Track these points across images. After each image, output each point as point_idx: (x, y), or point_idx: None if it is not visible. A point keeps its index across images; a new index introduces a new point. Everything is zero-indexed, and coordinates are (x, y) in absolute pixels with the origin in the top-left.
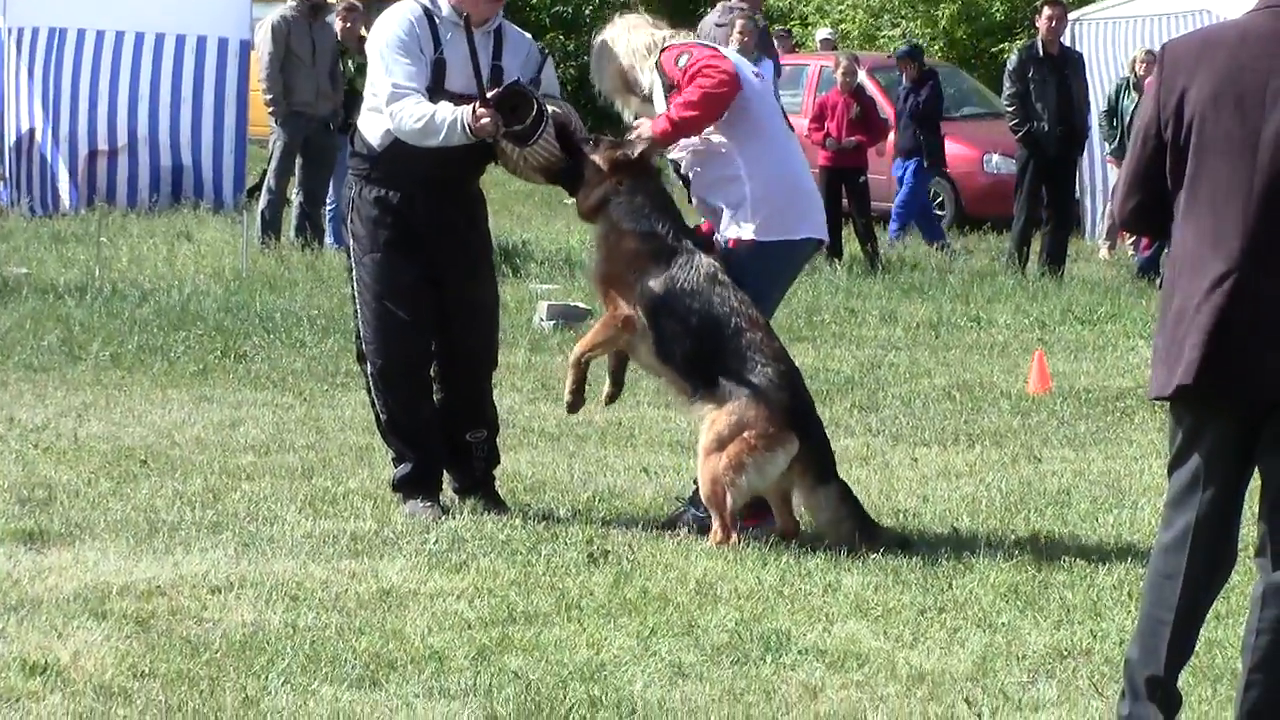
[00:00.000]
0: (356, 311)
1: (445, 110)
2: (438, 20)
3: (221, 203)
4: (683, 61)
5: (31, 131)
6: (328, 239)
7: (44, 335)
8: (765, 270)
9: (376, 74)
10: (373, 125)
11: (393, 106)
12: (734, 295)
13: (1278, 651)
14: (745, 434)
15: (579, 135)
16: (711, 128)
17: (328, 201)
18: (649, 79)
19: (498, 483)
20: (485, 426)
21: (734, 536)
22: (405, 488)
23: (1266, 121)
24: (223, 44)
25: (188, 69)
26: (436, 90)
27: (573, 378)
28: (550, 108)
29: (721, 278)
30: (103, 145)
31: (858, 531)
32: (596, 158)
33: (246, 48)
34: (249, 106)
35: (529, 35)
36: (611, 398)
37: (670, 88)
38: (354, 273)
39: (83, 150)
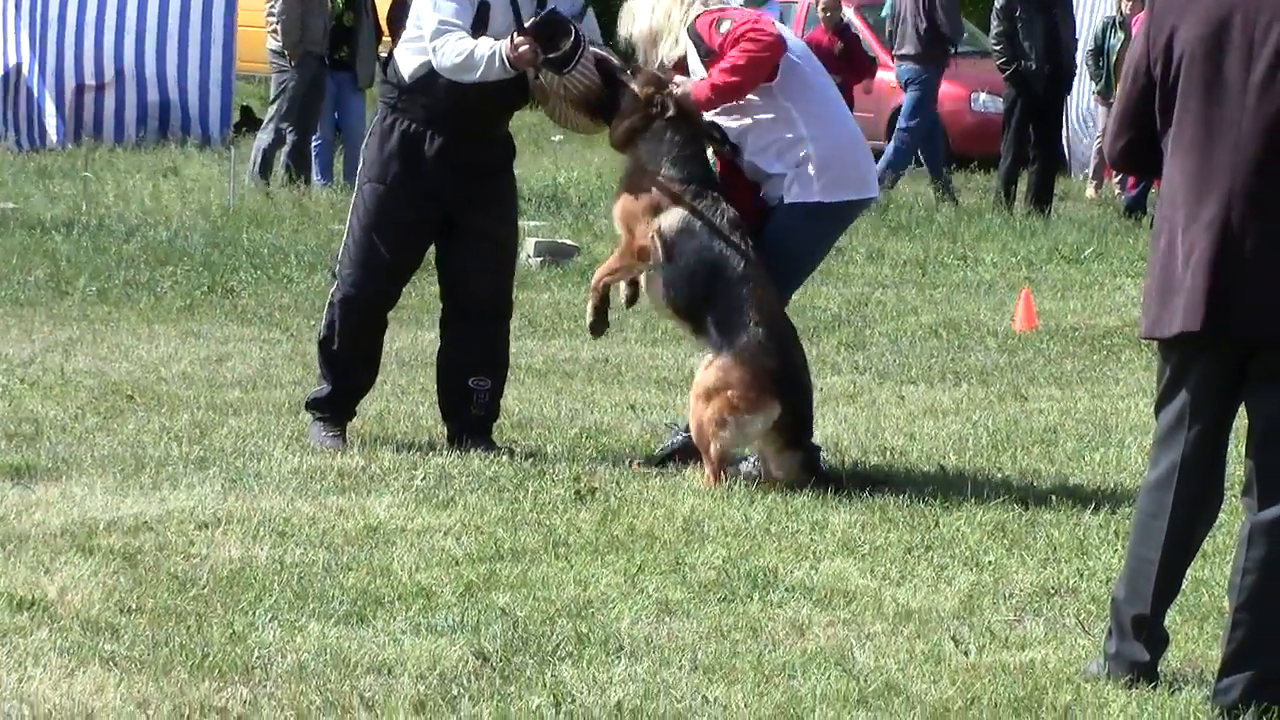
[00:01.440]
0: (346, 232)
1: (485, 45)
2: None
3: (208, 138)
4: (725, 27)
5: (18, 66)
6: (315, 175)
7: (30, 270)
8: (823, 232)
9: (423, 8)
10: (409, 57)
11: (435, 42)
12: (748, 249)
13: (1264, 590)
14: (729, 392)
15: (617, 67)
16: (755, 93)
17: (315, 137)
18: (669, 47)
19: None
20: (490, 375)
21: (722, 478)
22: (315, 409)
23: (1255, 62)
24: None
25: (174, 4)
26: (478, 32)
27: (593, 302)
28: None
29: (739, 229)
30: (90, 80)
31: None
32: (634, 86)
33: None
34: (236, 42)
35: None
36: (630, 299)
37: (707, 54)
38: (355, 195)
39: (70, 85)
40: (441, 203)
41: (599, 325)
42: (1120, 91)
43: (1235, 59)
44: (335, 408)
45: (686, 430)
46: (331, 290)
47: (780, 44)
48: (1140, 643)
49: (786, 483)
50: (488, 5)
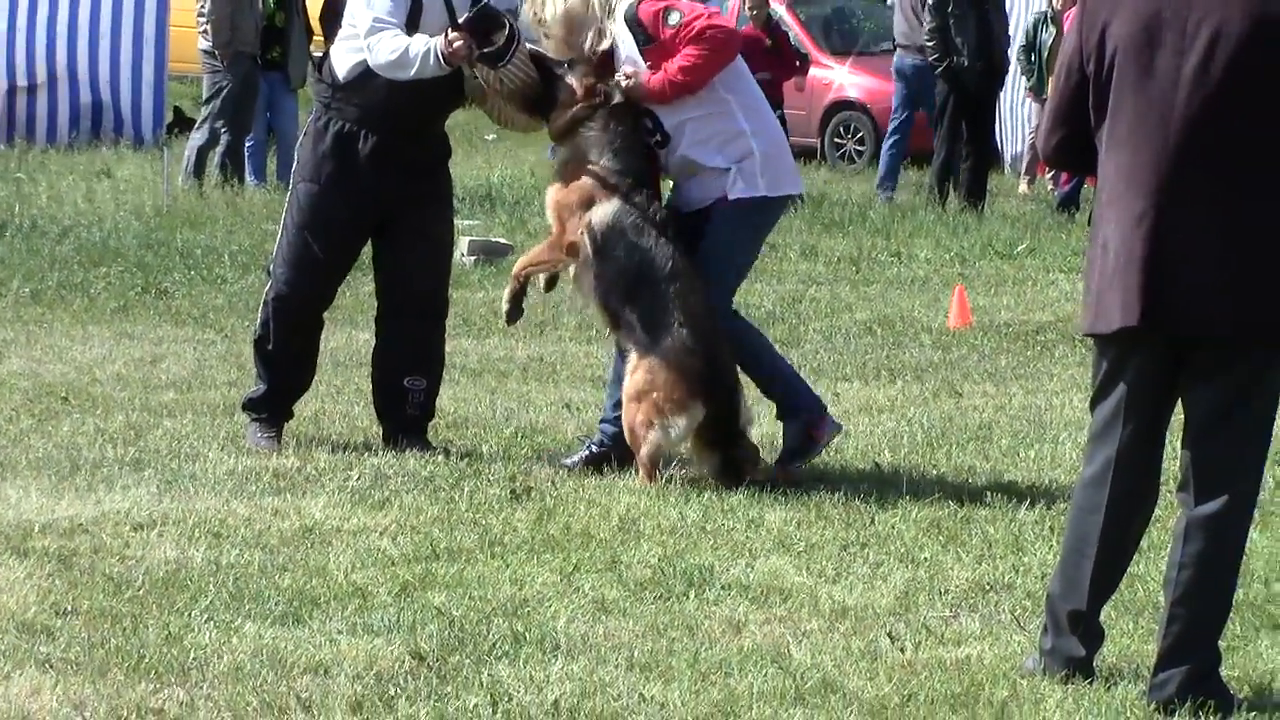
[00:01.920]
0: (281, 231)
1: (419, 42)
2: None
3: (141, 139)
4: (673, 19)
5: None
6: (248, 175)
7: None
8: (761, 224)
9: (357, 6)
10: (344, 56)
11: (370, 39)
12: (676, 248)
13: (1199, 585)
14: (655, 394)
15: (553, 60)
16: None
17: (249, 137)
18: (591, 39)
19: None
20: (425, 375)
21: (656, 478)
22: (252, 410)
23: (1187, 56)
24: None
25: (106, 4)
26: (412, 30)
27: (511, 289)
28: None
29: (669, 228)
30: (21, 81)
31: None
32: (572, 80)
33: None
34: (168, 43)
35: None
36: (548, 285)
37: (647, 42)
38: (289, 194)
39: (1, 87)
40: (377, 202)
41: (515, 313)
42: (1053, 87)
43: (1166, 54)
44: (272, 408)
45: (599, 443)
46: (266, 289)
47: (738, 42)
48: (1076, 638)
49: (715, 481)
50: (421, 2)
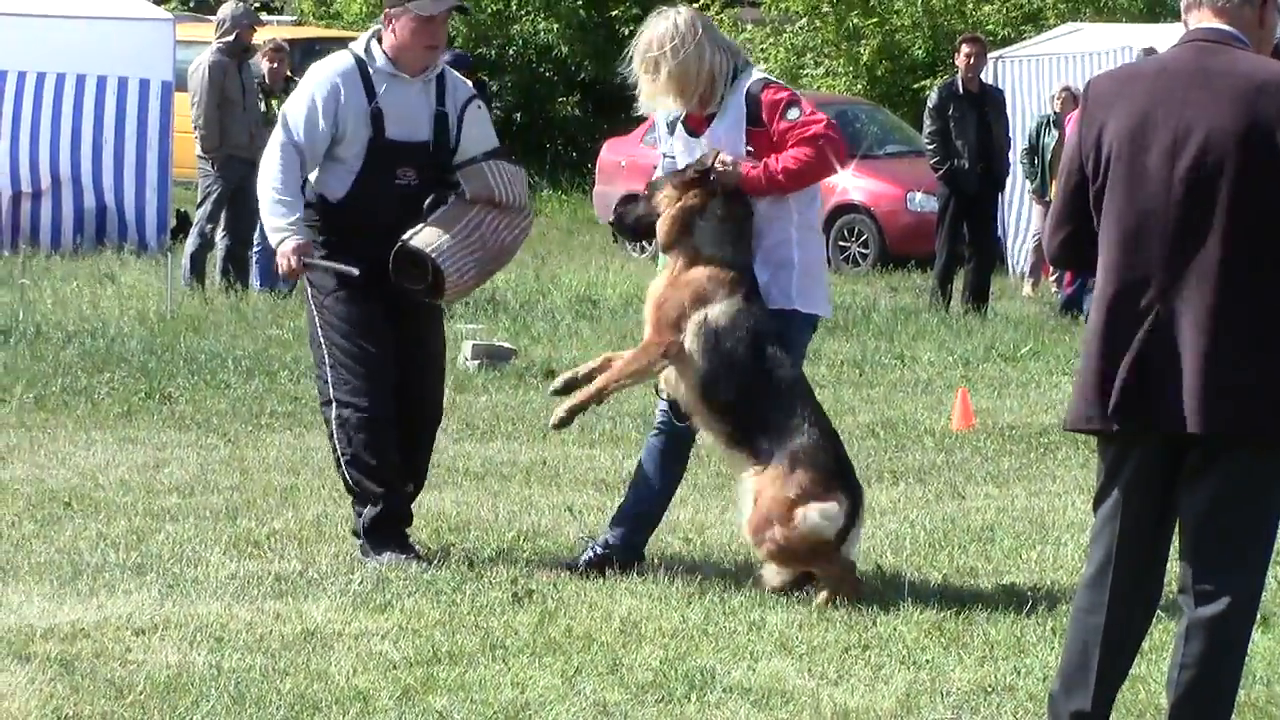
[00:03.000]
0: (323, 357)
1: (275, 222)
2: (372, 71)
3: (145, 244)
4: (792, 114)
5: None
6: (253, 281)
7: None
8: (785, 337)
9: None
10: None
11: (267, 158)
12: (782, 347)
13: (1201, 686)
14: (791, 492)
15: (641, 196)
16: None
17: (255, 243)
18: (694, 103)
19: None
20: (415, 483)
21: (856, 584)
22: (373, 533)
23: (1180, 157)
24: (144, 85)
25: (109, 110)
26: (377, 138)
27: (580, 402)
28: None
29: (773, 325)
30: (26, 188)
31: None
32: (671, 187)
33: (169, 89)
34: (173, 148)
35: (469, 83)
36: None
37: (756, 123)
38: (317, 318)
39: (5, 193)
40: (388, 301)
41: (567, 424)
42: (1057, 187)
43: (1158, 152)
44: (390, 525)
45: (605, 545)
46: (330, 418)
47: (843, 157)
48: None
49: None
50: (380, 111)
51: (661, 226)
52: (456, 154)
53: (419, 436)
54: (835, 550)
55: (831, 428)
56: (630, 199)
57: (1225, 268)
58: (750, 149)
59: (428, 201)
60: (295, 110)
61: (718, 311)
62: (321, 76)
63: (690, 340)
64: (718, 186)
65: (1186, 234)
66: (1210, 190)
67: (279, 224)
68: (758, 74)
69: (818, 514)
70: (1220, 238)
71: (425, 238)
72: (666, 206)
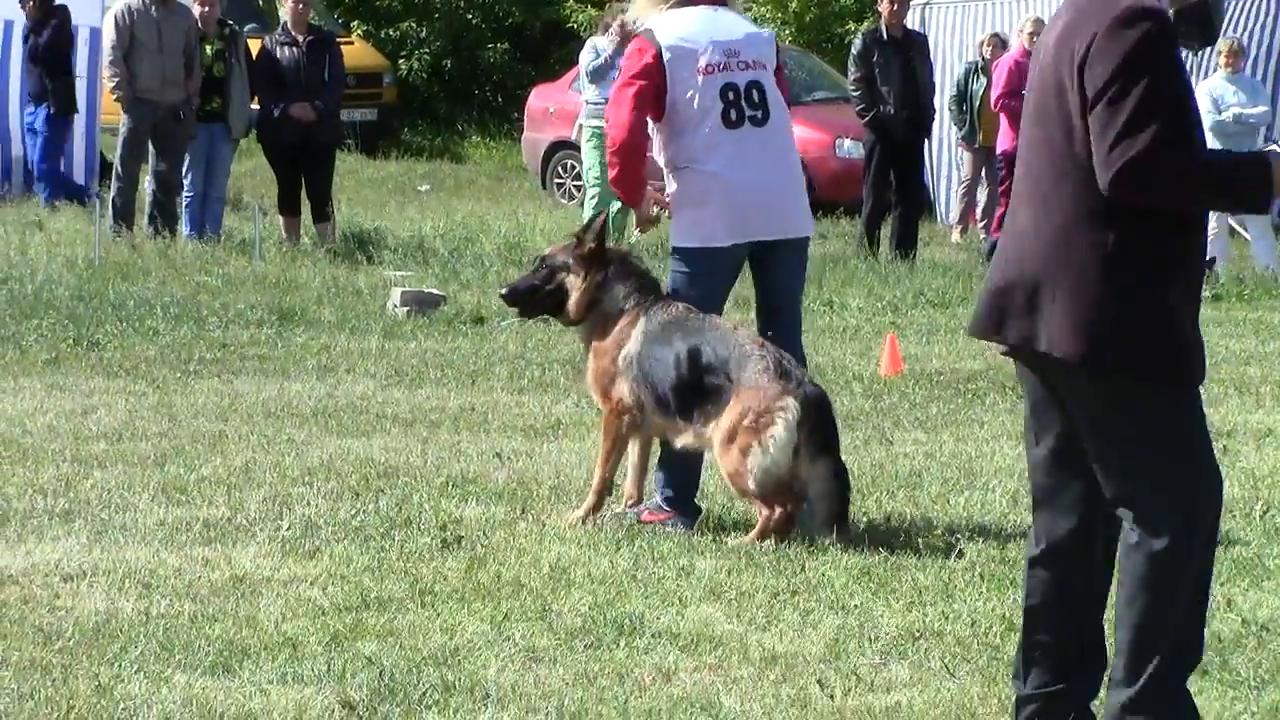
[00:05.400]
0: None
1: None
2: None
3: (73, 191)
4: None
5: None
6: (184, 227)
7: None
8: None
9: None
10: None
11: None
12: (700, 316)
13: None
14: (745, 420)
15: (538, 276)
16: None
17: (185, 190)
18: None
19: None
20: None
21: (778, 511)
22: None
23: (1031, 89)
24: (74, 32)
25: None
26: None
27: (594, 503)
28: None
29: (687, 311)
30: None
31: (830, 519)
32: (575, 266)
33: (97, 35)
34: (100, 95)
35: None
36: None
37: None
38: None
39: None
40: None
41: (593, 512)
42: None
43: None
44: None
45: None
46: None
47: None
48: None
49: (817, 499)
50: None
51: (574, 310)
52: None
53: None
54: (815, 459)
55: (764, 341)
56: (529, 284)
57: (1029, 184)
58: None
59: None
60: None
61: (631, 347)
62: None
63: (624, 387)
64: (613, 253)
65: (1024, 162)
66: (1031, 113)
67: None
68: None
69: (781, 428)
70: (1029, 156)
71: None
72: (575, 290)
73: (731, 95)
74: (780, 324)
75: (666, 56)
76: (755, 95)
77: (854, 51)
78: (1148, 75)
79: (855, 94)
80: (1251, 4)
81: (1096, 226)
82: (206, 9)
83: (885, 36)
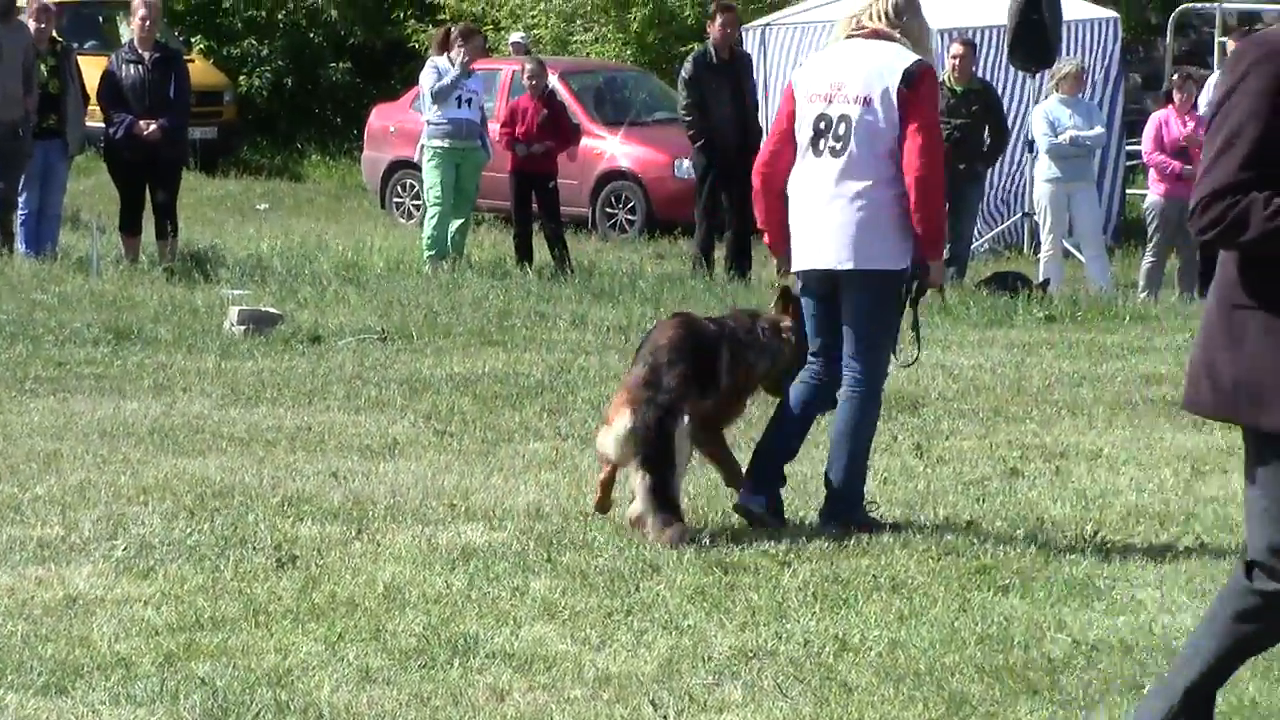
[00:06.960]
0: None
1: None
2: None
3: None
4: None
5: None
6: (19, 245)
7: None
8: None
9: None
10: None
11: None
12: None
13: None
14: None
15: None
16: None
17: (19, 206)
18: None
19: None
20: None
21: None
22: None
23: None
24: None
25: None
26: None
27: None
28: None
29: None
30: None
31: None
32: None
33: None
34: None
35: None
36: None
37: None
38: None
39: None
40: None
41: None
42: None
43: None
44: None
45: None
46: None
47: None
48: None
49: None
50: None
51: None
52: None
53: None
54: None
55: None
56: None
57: None
58: None
59: None
60: None
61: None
62: None
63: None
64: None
65: None
66: None
67: None
68: None
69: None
70: None
71: None
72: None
73: (822, 125)
74: (832, 359)
75: (796, 87)
76: (842, 128)
77: (683, 77)
78: None
79: (688, 120)
80: (1090, 29)
81: None
82: (41, 26)
83: (715, 59)
